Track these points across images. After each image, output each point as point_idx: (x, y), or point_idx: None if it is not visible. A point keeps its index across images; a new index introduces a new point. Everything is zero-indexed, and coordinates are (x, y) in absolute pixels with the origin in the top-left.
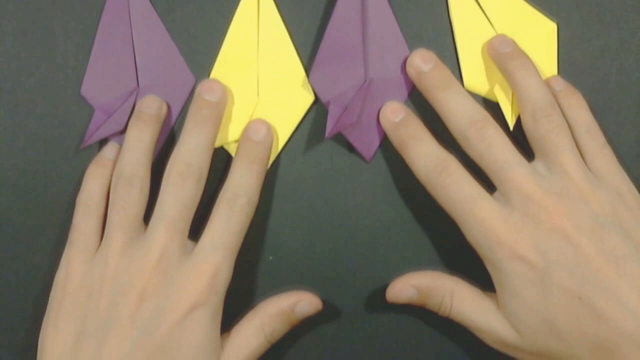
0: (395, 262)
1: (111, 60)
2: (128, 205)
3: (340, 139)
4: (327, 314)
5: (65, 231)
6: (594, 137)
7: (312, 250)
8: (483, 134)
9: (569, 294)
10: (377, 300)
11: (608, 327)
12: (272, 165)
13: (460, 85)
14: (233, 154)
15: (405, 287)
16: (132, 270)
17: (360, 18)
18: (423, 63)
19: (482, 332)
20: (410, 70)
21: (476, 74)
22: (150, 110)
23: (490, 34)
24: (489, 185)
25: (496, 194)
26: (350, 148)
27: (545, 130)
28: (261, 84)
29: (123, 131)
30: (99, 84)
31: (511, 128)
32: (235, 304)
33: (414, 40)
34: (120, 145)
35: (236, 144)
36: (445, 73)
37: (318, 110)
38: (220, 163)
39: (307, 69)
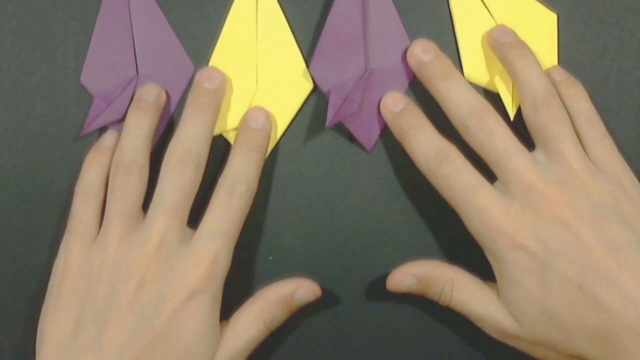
0: (396, 260)
1: (110, 48)
2: (127, 192)
3: (341, 138)
4: (327, 309)
5: (65, 226)
6: (594, 127)
7: (312, 250)
8: (483, 123)
9: (569, 284)
10: (378, 297)
11: (608, 317)
12: (272, 163)
13: (461, 75)
14: (232, 142)
15: (405, 276)
16: (131, 257)
17: (360, 8)
18: (423, 53)
19: (482, 322)
20: (410, 60)
21: (476, 64)
22: (150, 98)
23: (490, 24)
24: (489, 176)
25: (497, 183)
26: (351, 138)
27: (545, 120)
28: (260, 72)
29: (122, 119)
30: (98, 72)
31: (512, 118)
32: (236, 304)
33: (414, 31)
34: (119, 133)
35: (235, 132)
36: (446, 63)
37: (318, 101)
38: (219, 151)
39: (307, 58)
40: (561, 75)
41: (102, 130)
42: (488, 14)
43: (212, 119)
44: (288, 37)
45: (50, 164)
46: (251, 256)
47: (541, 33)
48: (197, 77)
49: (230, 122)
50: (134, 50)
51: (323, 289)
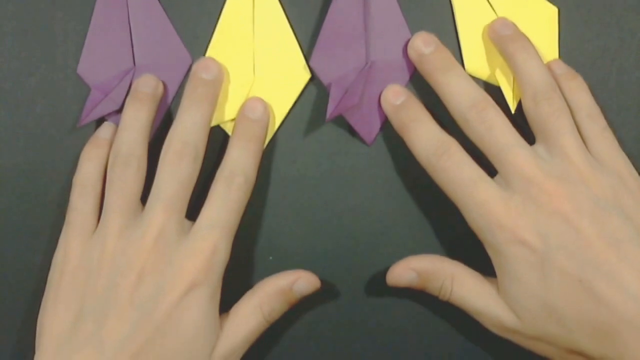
0: (396, 258)
1: (107, 39)
2: (125, 185)
3: (341, 136)
4: (327, 307)
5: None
6: (594, 121)
7: (312, 250)
8: (484, 116)
9: (569, 278)
10: (378, 294)
11: (608, 311)
12: (272, 163)
13: (462, 68)
14: (229, 133)
15: (405, 271)
16: (130, 251)
17: (362, 1)
18: (424, 46)
19: (481, 316)
20: (411, 52)
21: (477, 57)
22: (147, 90)
23: (491, 17)
24: (489, 171)
25: (497, 177)
26: (352, 131)
27: (546, 113)
28: (257, 62)
29: (119, 110)
30: (95, 62)
31: (512, 111)
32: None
33: (415, 23)
34: (116, 125)
35: (233, 123)
36: (446, 56)
37: (318, 96)
38: (217, 142)
39: (307, 50)
40: (562, 69)
41: (100, 122)
42: (489, 6)
43: (210, 109)
44: (285, 27)
45: (50, 164)
46: (251, 256)
47: (542, 26)
48: (194, 67)
49: (227, 113)
50: (131, 41)
51: (323, 285)
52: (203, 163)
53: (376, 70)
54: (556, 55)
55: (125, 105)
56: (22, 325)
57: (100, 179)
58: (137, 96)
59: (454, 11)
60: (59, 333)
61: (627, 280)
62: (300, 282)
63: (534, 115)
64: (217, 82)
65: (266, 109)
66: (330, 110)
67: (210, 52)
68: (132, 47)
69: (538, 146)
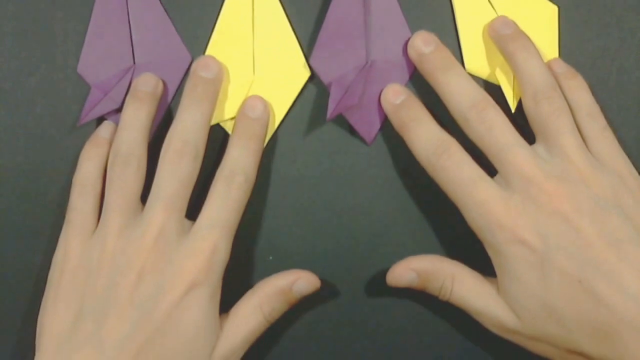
0: (396, 258)
1: (107, 37)
2: (125, 184)
3: (341, 136)
4: (327, 307)
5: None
6: (594, 120)
7: (312, 250)
8: (484, 116)
9: (569, 278)
10: (378, 295)
11: (608, 312)
12: (272, 163)
13: (462, 68)
14: (229, 132)
15: (405, 271)
16: (129, 250)
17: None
18: (424, 45)
19: (481, 316)
20: (411, 52)
21: (477, 56)
22: (146, 88)
23: (492, 15)
24: (489, 171)
25: (497, 177)
26: (352, 131)
27: (546, 112)
28: (257, 61)
29: (119, 109)
30: (95, 61)
31: (513, 111)
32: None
33: (415, 22)
34: (116, 124)
35: (233, 122)
36: (446, 55)
37: (317, 97)
38: (217, 141)
39: (306, 48)
40: (562, 68)
41: (100, 121)
42: (489, 5)
43: (210, 108)
44: (284, 25)
45: (50, 164)
46: (251, 256)
47: (542, 25)
48: (193, 66)
49: (227, 112)
50: (131, 40)
51: (322, 285)
52: (203, 162)
53: (376, 70)
54: (556, 54)
55: (125, 104)
56: (22, 325)
57: (100, 178)
58: (137, 95)
59: (454, 10)
60: (59, 332)
61: (627, 281)
62: (300, 282)
63: (534, 114)
64: (217, 80)
65: (266, 107)
66: (331, 109)
67: (209, 51)
68: (132, 45)
69: (538, 146)
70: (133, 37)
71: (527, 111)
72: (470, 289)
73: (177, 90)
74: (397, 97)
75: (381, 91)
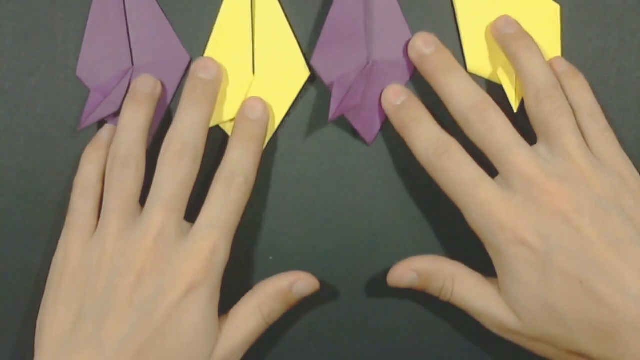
0: (397, 259)
1: (104, 40)
2: (124, 186)
3: (341, 136)
4: (327, 307)
5: (65, 222)
6: (596, 120)
7: (312, 250)
8: (484, 117)
9: (570, 279)
10: (378, 295)
11: (609, 312)
12: (272, 163)
13: (462, 69)
14: (229, 133)
15: (406, 272)
16: (129, 251)
17: (363, 0)
18: (425, 46)
19: (482, 317)
20: (412, 53)
21: (479, 55)
22: (145, 90)
23: (494, 15)
24: (490, 171)
25: (498, 177)
26: (353, 133)
27: (548, 112)
28: (256, 61)
29: (119, 112)
30: (93, 64)
31: (515, 110)
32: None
33: (416, 22)
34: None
35: (232, 123)
36: (447, 56)
37: (317, 98)
38: (217, 142)
39: (307, 49)
40: (563, 66)
41: (101, 124)
42: (491, 4)
43: (209, 109)
44: (283, 25)
45: (50, 164)
46: (251, 256)
47: (544, 24)
48: (192, 67)
49: (227, 113)
50: (129, 41)
51: (322, 286)
52: (203, 163)
53: (377, 70)
54: (559, 53)
55: (124, 106)
56: (22, 325)
57: (101, 181)
58: (136, 97)
59: (456, 9)
60: (59, 334)
61: (628, 281)
62: (299, 283)
63: (536, 113)
64: (216, 82)
65: (266, 108)
66: (333, 110)
67: (208, 52)
68: (130, 47)
69: (539, 145)
70: (131, 38)
71: (528, 110)
72: (470, 289)
73: (176, 90)
74: (397, 98)
75: (382, 92)
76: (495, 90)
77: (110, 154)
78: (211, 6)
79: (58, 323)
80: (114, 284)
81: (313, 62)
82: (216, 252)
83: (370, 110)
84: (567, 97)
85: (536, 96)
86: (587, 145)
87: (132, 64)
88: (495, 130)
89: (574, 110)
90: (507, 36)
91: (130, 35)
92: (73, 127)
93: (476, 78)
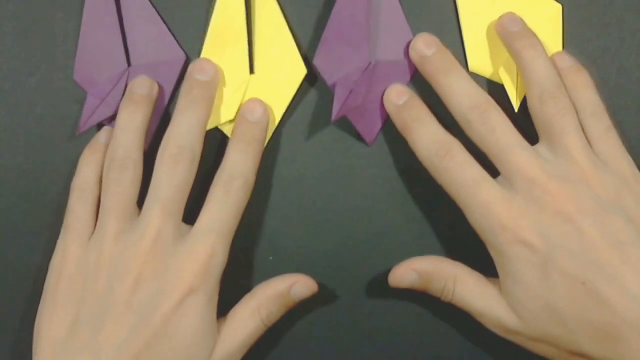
0: (397, 260)
1: (99, 42)
2: (121, 188)
3: (341, 137)
4: (328, 308)
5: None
6: (599, 120)
7: (312, 250)
8: (485, 117)
9: (571, 279)
10: (379, 296)
11: (610, 313)
12: (272, 163)
13: (463, 70)
14: (228, 134)
15: (407, 272)
16: (126, 255)
17: (365, 0)
18: (426, 47)
19: (483, 317)
20: (412, 54)
21: (481, 55)
22: (141, 91)
23: (495, 15)
24: (492, 172)
25: (499, 178)
26: (353, 133)
27: (551, 112)
28: (252, 60)
29: (116, 114)
30: (89, 67)
31: (516, 109)
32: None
33: (417, 21)
34: None
35: (231, 125)
36: (448, 57)
37: (317, 99)
38: (216, 143)
39: (305, 47)
40: (567, 62)
41: (100, 125)
42: (493, 4)
43: (206, 111)
44: (280, 22)
45: (50, 164)
46: (251, 256)
47: (546, 24)
48: (189, 69)
49: (225, 115)
50: (124, 43)
51: (322, 286)
52: (201, 165)
53: (378, 71)
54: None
55: (120, 108)
56: (21, 326)
57: (98, 183)
58: (132, 98)
59: (458, 8)
60: (56, 338)
61: (629, 282)
62: (297, 285)
63: (539, 113)
64: (213, 83)
65: (265, 110)
66: (336, 110)
67: (204, 53)
68: (126, 48)
69: (541, 145)
70: (126, 39)
71: (531, 110)
72: (472, 290)
73: (173, 90)
74: (399, 98)
75: (383, 92)
76: (496, 90)
77: (108, 156)
78: (207, 6)
79: (55, 327)
80: (112, 288)
81: (316, 63)
82: (214, 256)
83: (371, 110)
84: (570, 95)
85: (540, 96)
86: (590, 144)
87: (128, 66)
88: (496, 131)
89: (577, 109)
90: (511, 33)
91: (126, 36)
92: (73, 127)
93: (477, 78)
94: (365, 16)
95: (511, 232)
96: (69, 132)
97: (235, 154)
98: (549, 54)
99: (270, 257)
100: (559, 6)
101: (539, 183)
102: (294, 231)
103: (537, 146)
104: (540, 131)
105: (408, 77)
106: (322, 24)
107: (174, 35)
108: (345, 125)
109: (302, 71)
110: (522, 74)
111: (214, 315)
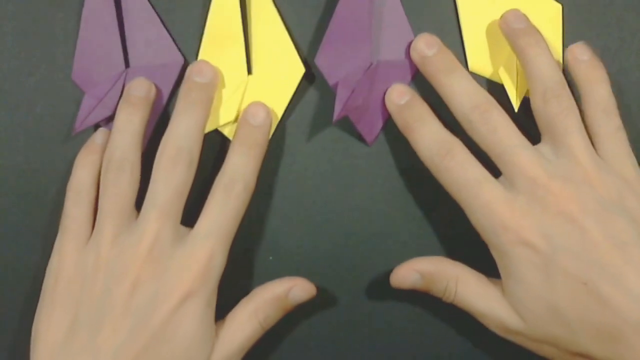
0: (398, 260)
1: (98, 43)
2: (119, 190)
3: (341, 137)
4: (328, 308)
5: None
6: (609, 118)
7: (312, 250)
8: (487, 117)
9: (573, 280)
10: (379, 296)
11: (613, 314)
12: (272, 163)
13: (464, 70)
14: (228, 136)
15: (409, 273)
16: (124, 258)
17: (367, 1)
18: (427, 48)
19: (485, 318)
20: (414, 55)
21: (481, 55)
22: (139, 93)
23: (496, 14)
24: (493, 173)
25: (501, 178)
26: (353, 133)
27: (554, 112)
28: (250, 61)
29: (113, 116)
30: (87, 68)
31: (516, 109)
32: (235, 305)
33: (418, 21)
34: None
35: (231, 127)
36: (449, 57)
37: (318, 94)
38: (216, 145)
39: (305, 48)
40: (586, 55)
41: (97, 125)
42: (493, 4)
43: (204, 113)
44: (276, 21)
45: (50, 164)
46: (251, 256)
47: (546, 24)
48: (187, 71)
49: (224, 116)
50: (122, 44)
51: (322, 288)
52: (201, 168)
53: (380, 71)
54: (560, 52)
55: (118, 110)
56: (19, 326)
57: (95, 185)
58: (130, 100)
59: (458, 8)
60: (54, 341)
61: (631, 283)
62: (295, 289)
63: (542, 112)
64: (212, 85)
65: (268, 114)
66: (338, 111)
67: (202, 55)
68: (124, 50)
69: (543, 145)
70: (125, 41)
71: (534, 109)
72: (474, 290)
73: (171, 92)
74: (401, 98)
75: (384, 92)
76: (496, 90)
77: (105, 158)
78: (205, 8)
79: (53, 330)
80: (110, 291)
81: (317, 62)
82: (213, 260)
83: (372, 110)
84: (584, 89)
85: (543, 94)
86: (596, 143)
87: (127, 67)
88: (498, 131)
89: (588, 104)
90: (515, 31)
91: (125, 38)
92: (72, 128)
93: (477, 78)
94: (367, 16)
95: (513, 233)
96: (68, 133)
97: (236, 158)
98: None
99: (271, 257)
100: (559, 6)
101: (541, 183)
102: (294, 231)
103: (539, 146)
104: (542, 130)
105: (409, 77)
106: (321, 25)
107: (172, 38)
108: (346, 125)
109: (300, 70)
110: (525, 72)
111: (212, 319)
